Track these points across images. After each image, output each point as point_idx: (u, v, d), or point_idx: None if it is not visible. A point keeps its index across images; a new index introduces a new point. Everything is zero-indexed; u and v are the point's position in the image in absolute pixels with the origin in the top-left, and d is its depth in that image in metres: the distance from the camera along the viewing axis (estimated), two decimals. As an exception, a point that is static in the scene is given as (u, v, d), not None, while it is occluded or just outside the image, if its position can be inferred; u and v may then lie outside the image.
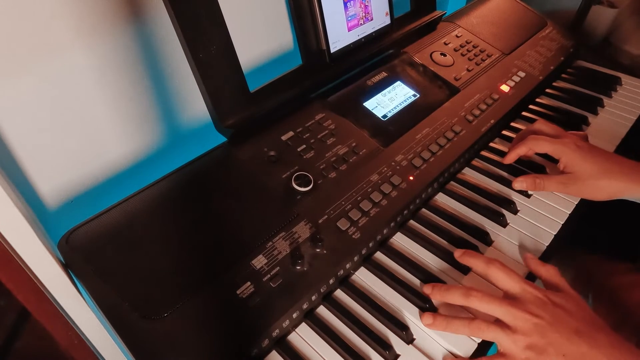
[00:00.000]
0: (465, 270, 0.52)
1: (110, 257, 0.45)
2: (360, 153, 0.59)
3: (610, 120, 0.75)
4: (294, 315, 0.46)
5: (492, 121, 0.68)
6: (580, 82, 0.83)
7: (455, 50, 0.78)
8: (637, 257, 0.68)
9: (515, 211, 0.59)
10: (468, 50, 0.78)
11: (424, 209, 0.60)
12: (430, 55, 0.76)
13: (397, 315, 0.48)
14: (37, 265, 0.42)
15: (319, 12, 0.60)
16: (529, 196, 0.61)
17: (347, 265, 0.50)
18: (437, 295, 0.48)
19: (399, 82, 0.70)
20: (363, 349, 0.45)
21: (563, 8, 1.02)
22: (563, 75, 0.86)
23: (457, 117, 0.67)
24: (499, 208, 0.59)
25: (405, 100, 0.68)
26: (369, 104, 0.65)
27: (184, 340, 0.41)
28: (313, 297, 0.48)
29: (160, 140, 0.64)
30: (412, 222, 0.58)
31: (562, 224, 0.58)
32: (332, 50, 0.64)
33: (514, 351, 0.42)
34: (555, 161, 0.61)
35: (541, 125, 0.63)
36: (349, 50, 0.66)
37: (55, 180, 0.55)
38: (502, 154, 0.66)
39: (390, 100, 0.67)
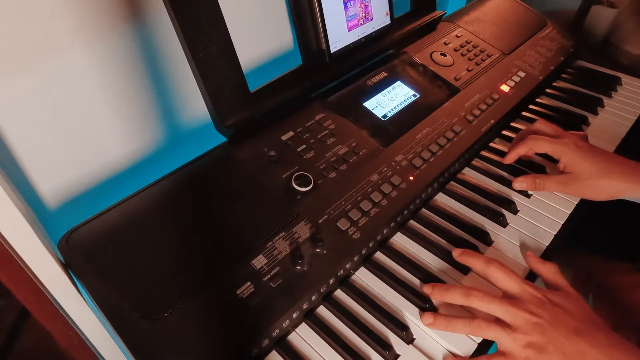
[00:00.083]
0: (465, 270, 0.52)
1: (110, 257, 0.45)
2: (360, 153, 0.59)
3: (610, 120, 0.75)
4: (294, 315, 0.46)
5: (492, 121, 0.68)
6: (580, 82, 0.83)
7: (455, 50, 0.78)
8: (637, 257, 0.68)
9: (515, 211, 0.59)
10: (468, 50, 0.78)
11: (424, 209, 0.60)
12: (430, 55, 0.76)
13: (397, 315, 0.48)
14: (37, 265, 0.42)
15: (319, 12, 0.60)
16: (529, 196, 0.61)
17: (347, 265, 0.50)
18: (437, 295, 0.48)
19: (399, 82, 0.70)
20: (363, 349, 0.45)
21: (563, 8, 1.02)
22: (563, 75, 0.86)
23: (457, 117, 0.67)
24: (499, 208, 0.59)
25: (405, 100, 0.68)
26: (369, 104, 0.65)
27: (184, 340, 0.41)
28: (313, 297, 0.48)
29: (160, 140, 0.64)
30: (412, 222, 0.58)
31: (562, 224, 0.58)
32: (332, 50, 0.64)
33: (514, 350, 0.42)
34: (555, 161, 0.61)
35: (541, 125, 0.63)
36: (349, 50, 0.66)
37: (55, 180, 0.55)
38: (502, 154, 0.66)
39: (390, 100, 0.67)
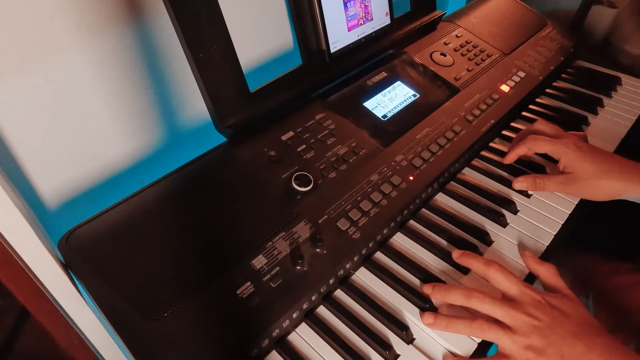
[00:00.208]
0: (465, 270, 0.52)
1: (110, 257, 0.45)
2: (360, 153, 0.59)
3: (610, 120, 0.75)
4: (294, 315, 0.46)
5: (492, 121, 0.68)
6: (580, 82, 0.83)
7: (455, 50, 0.78)
8: (637, 257, 0.68)
9: (515, 211, 0.59)
10: (468, 50, 0.78)
11: (424, 209, 0.60)
12: (430, 55, 0.76)
13: (397, 315, 0.48)
14: (37, 265, 0.42)
15: (319, 12, 0.60)
16: (529, 196, 0.61)
17: (347, 265, 0.50)
18: (437, 295, 0.48)
19: (399, 82, 0.70)
20: (363, 349, 0.45)
21: (563, 8, 1.02)
22: (563, 75, 0.86)
23: (457, 117, 0.67)
24: (499, 208, 0.59)
25: (405, 100, 0.68)
26: (369, 104, 0.65)
27: (184, 340, 0.41)
28: (313, 297, 0.48)
29: (160, 140, 0.64)
30: (412, 222, 0.58)
31: (562, 224, 0.58)
32: (332, 50, 0.64)
33: (514, 351, 0.42)
34: (555, 161, 0.61)
35: (541, 125, 0.63)
36: (349, 50, 0.67)
37: (55, 180, 0.55)
38: (502, 154, 0.66)
39: (390, 100, 0.67)
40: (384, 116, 0.64)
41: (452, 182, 0.64)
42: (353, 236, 0.51)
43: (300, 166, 0.55)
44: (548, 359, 0.41)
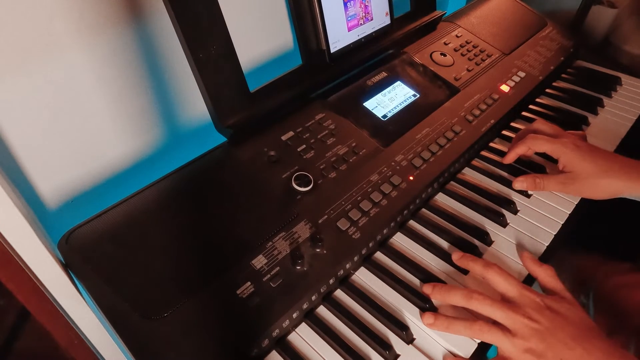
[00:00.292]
0: (465, 270, 0.52)
1: (110, 257, 0.45)
2: (360, 153, 0.59)
3: (610, 120, 0.75)
4: (294, 315, 0.46)
5: (492, 121, 0.68)
6: (580, 82, 0.83)
7: (455, 50, 0.78)
8: (637, 257, 0.68)
9: (515, 211, 0.59)
10: (468, 50, 0.78)
11: (424, 209, 0.60)
12: (430, 55, 0.76)
13: (397, 315, 0.48)
14: (37, 265, 0.42)
15: (319, 12, 0.60)
16: (529, 196, 0.61)
17: (347, 265, 0.50)
18: (437, 296, 0.48)
19: (399, 82, 0.70)
20: (363, 349, 0.45)
21: (563, 8, 1.02)
22: (563, 75, 0.86)
23: (457, 117, 0.67)
24: (499, 208, 0.59)
25: (405, 100, 0.68)
26: (369, 104, 0.65)
27: (184, 340, 0.41)
28: (313, 297, 0.48)
29: (160, 140, 0.64)
30: (412, 222, 0.58)
31: (562, 224, 0.58)
32: (332, 50, 0.64)
33: (514, 354, 0.43)
34: (554, 161, 0.61)
35: (540, 124, 0.63)
36: (349, 50, 0.67)
37: (55, 180, 0.55)
38: (502, 154, 0.66)
39: (390, 100, 0.67)
40: (384, 116, 0.64)
41: (452, 182, 0.64)
42: (353, 236, 0.51)
43: (300, 166, 0.55)
44: None
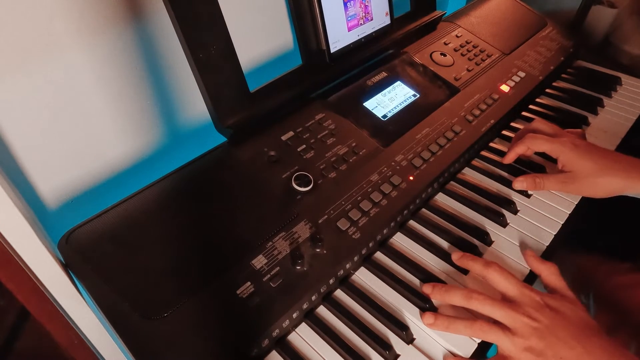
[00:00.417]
0: (465, 270, 0.52)
1: (110, 257, 0.45)
2: (360, 153, 0.59)
3: (610, 120, 0.75)
4: (294, 315, 0.46)
5: (492, 121, 0.68)
6: (580, 82, 0.83)
7: (455, 50, 0.78)
8: (637, 256, 0.68)
9: (515, 211, 0.59)
10: (468, 50, 0.78)
11: (424, 209, 0.60)
12: (430, 55, 0.76)
13: (397, 315, 0.48)
14: (37, 265, 0.42)
15: (319, 12, 0.60)
16: (529, 196, 0.61)
17: (347, 265, 0.50)
18: (437, 296, 0.48)
19: (399, 82, 0.70)
20: (363, 349, 0.45)
21: (563, 8, 1.02)
22: (563, 75, 0.86)
23: (457, 117, 0.67)
24: (499, 208, 0.59)
25: (405, 100, 0.68)
26: (369, 104, 0.65)
27: (184, 340, 0.41)
28: (313, 297, 0.48)
29: (160, 140, 0.64)
30: (412, 222, 0.58)
31: (562, 224, 0.58)
32: (332, 50, 0.64)
33: (514, 353, 0.43)
34: (554, 161, 0.61)
35: (539, 124, 0.63)
36: (349, 50, 0.67)
37: (55, 180, 0.55)
38: (502, 154, 0.66)
39: (390, 100, 0.67)
40: (384, 116, 0.64)
41: (452, 182, 0.64)
42: (353, 236, 0.51)
43: (300, 166, 0.55)
44: None
